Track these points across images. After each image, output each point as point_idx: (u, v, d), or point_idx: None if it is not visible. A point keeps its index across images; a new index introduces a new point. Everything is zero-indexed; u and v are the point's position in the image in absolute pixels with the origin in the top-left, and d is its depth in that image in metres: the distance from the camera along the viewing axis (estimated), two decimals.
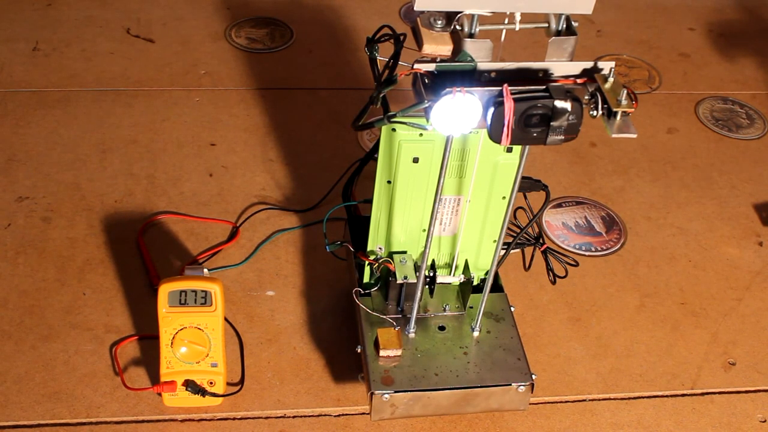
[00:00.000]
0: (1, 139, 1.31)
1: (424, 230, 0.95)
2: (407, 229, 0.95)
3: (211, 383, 0.97)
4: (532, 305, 1.14)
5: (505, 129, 0.72)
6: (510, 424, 1.00)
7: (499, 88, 0.72)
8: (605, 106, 0.72)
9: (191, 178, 1.27)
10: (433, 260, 0.97)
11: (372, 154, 0.97)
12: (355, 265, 1.00)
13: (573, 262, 1.06)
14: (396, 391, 0.88)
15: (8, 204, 1.20)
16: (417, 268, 0.94)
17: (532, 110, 0.71)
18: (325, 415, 0.99)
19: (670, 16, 1.79)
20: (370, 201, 0.94)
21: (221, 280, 0.96)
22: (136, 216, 1.20)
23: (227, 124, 1.38)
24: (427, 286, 0.96)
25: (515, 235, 0.99)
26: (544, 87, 0.72)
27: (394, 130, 0.87)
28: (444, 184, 0.82)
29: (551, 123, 0.72)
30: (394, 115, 0.77)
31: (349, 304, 1.01)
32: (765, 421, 1.03)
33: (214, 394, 0.97)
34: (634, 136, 0.71)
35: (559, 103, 0.71)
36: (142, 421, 0.96)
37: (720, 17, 1.80)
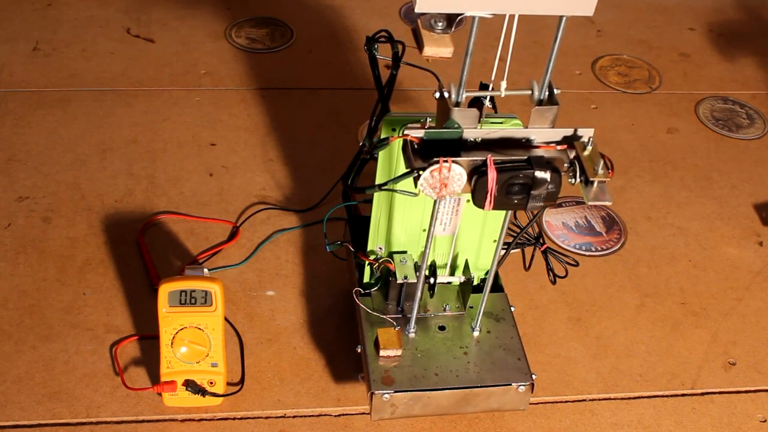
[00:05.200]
0: (1, 139, 1.31)
1: (424, 230, 0.95)
2: (407, 229, 0.95)
3: (211, 383, 0.97)
4: (532, 305, 1.14)
5: (488, 197, 0.76)
6: (510, 424, 1.00)
7: (483, 158, 0.75)
8: (583, 176, 0.76)
9: (191, 178, 1.27)
10: (433, 260, 0.97)
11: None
12: (355, 265, 1.00)
13: (573, 262, 1.06)
14: (396, 391, 0.88)
15: (8, 204, 1.20)
16: (417, 268, 0.94)
17: (513, 180, 0.76)
18: (325, 415, 0.99)
19: (670, 16, 1.79)
20: (370, 201, 0.94)
21: (221, 280, 0.96)
22: (136, 216, 1.20)
23: (227, 124, 1.38)
24: (427, 286, 0.96)
25: (515, 235, 0.99)
26: (525, 157, 0.76)
27: (394, 129, 0.87)
28: None
29: (531, 191, 0.76)
30: (386, 184, 0.81)
31: (349, 304, 1.01)
32: (765, 421, 1.03)
33: (214, 394, 0.97)
34: (609, 203, 0.74)
35: (540, 174, 0.75)
36: (142, 421, 0.96)
37: (720, 17, 1.80)
